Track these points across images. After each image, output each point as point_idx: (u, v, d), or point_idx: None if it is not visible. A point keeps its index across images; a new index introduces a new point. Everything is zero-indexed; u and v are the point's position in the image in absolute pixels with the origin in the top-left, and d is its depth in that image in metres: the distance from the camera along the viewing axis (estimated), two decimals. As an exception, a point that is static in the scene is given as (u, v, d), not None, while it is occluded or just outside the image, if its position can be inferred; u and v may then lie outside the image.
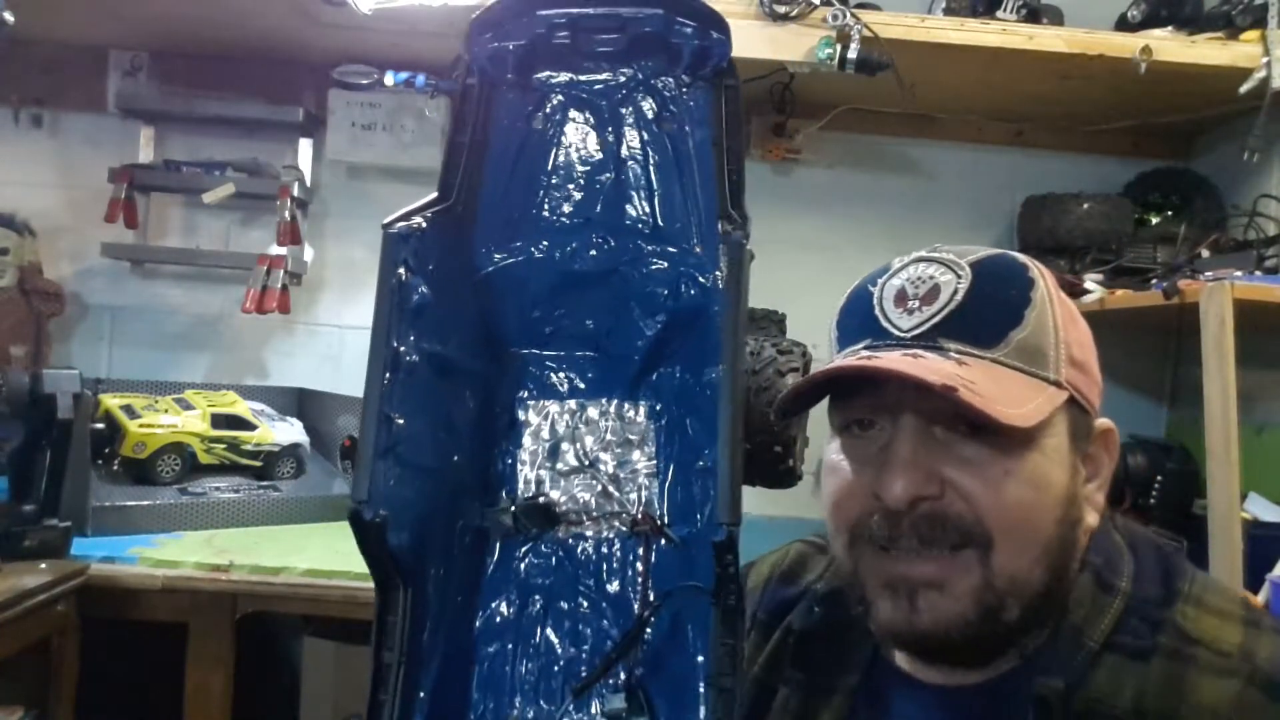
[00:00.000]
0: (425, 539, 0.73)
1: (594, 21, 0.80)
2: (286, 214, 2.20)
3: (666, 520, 0.80)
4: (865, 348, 0.70)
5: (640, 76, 0.83)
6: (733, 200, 0.75)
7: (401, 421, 0.70)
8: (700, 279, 0.81)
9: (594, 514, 0.81)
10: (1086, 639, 0.67)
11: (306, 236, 2.30)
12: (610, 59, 0.82)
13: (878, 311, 0.71)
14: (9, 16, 1.71)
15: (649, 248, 0.83)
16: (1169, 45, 1.79)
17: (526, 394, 0.85)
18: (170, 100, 2.28)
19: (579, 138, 0.84)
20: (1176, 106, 2.01)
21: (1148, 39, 1.79)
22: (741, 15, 1.75)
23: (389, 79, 2.14)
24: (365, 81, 2.16)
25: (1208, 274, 1.55)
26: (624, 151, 0.83)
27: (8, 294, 2.13)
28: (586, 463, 0.83)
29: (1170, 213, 2.12)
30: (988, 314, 0.68)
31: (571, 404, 0.84)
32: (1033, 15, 1.87)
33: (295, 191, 2.21)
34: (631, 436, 0.83)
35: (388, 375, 0.70)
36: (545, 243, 0.84)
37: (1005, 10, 1.86)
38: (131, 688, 1.78)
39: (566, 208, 0.84)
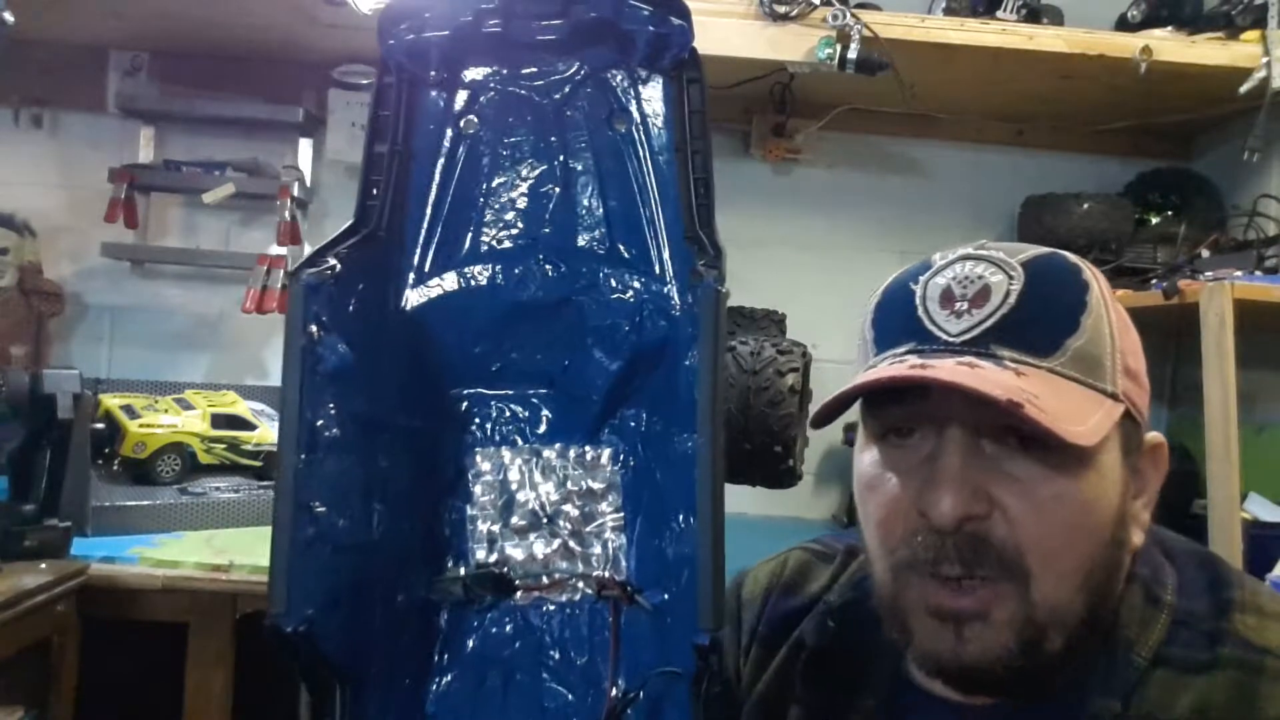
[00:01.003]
0: (362, 625, 0.64)
1: (530, 6, 0.68)
2: (286, 214, 2.20)
3: (636, 582, 0.70)
4: (910, 351, 0.64)
5: (588, 69, 0.71)
6: (701, 219, 0.64)
7: (324, 509, 0.61)
8: (666, 309, 0.70)
9: (555, 576, 0.72)
10: (1136, 655, 0.65)
11: (306, 236, 2.29)
12: (552, 49, 0.70)
13: (921, 312, 0.65)
14: (9, 16, 1.71)
15: (605, 272, 0.72)
16: (1169, 45, 1.79)
17: (473, 441, 0.74)
18: (170, 100, 2.28)
19: (518, 144, 0.72)
20: (1176, 106, 2.01)
21: (1148, 39, 1.79)
22: (741, 15, 1.74)
23: (389, 79, 2.14)
24: (365, 81, 2.16)
25: (1208, 274, 1.55)
26: (572, 160, 0.72)
27: (8, 294, 2.12)
28: (545, 517, 0.73)
29: (1170, 213, 2.12)
30: (1042, 319, 0.63)
31: (525, 450, 0.74)
32: (1033, 15, 1.87)
33: (295, 191, 2.21)
34: (595, 485, 0.73)
35: (303, 457, 0.60)
36: (485, 269, 0.73)
37: (1005, 10, 1.86)
38: (131, 688, 1.78)
39: (508, 228, 0.73)
